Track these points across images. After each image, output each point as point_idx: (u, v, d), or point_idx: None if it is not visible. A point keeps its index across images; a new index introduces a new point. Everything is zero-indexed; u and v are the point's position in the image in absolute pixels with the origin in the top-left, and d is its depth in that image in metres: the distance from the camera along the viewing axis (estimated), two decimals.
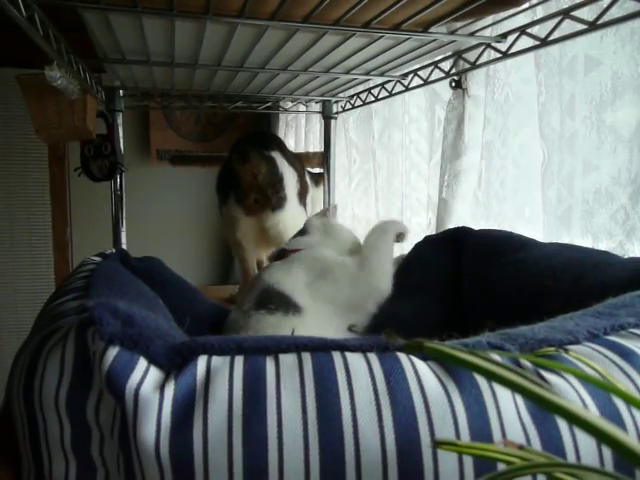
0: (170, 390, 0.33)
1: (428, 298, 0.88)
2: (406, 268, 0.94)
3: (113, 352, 0.35)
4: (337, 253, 0.92)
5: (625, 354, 0.38)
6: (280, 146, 1.37)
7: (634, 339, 0.40)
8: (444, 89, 1.17)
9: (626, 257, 0.64)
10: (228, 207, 1.32)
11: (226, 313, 0.96)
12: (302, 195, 1.37)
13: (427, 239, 0.97)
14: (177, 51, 1.00)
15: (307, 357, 0.36)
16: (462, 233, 0.90)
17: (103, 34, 0.90)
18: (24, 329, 0.50)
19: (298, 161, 1.46)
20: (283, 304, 0.75)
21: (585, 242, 0.83)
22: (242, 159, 1.26)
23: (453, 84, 1.01)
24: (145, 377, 0.34)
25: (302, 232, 1.03)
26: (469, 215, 1.03)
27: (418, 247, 0.97)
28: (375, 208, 1.49)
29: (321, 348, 0.37)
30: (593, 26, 0.70)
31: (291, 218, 1.31)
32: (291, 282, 0.80)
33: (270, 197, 1.27)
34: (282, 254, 0.93)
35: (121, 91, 1.42)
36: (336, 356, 0.36)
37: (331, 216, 1.05)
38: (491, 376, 0.24)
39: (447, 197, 1.02)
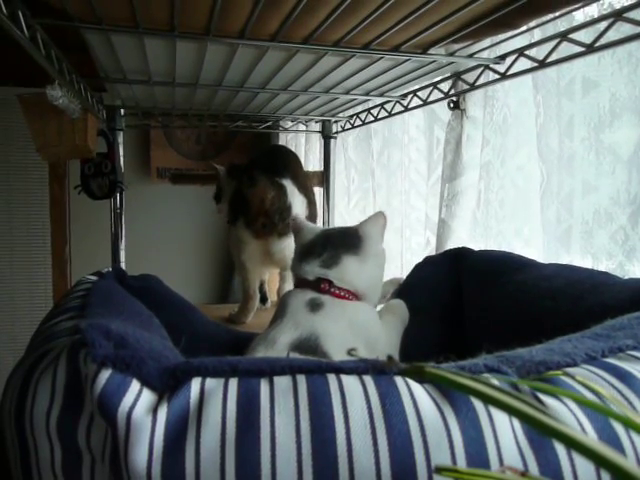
0: (163, 413, 0.33)
1: (429, 318, 0.88)
2: (407, 288, 0.94)
3: (105, 375, 0.34)
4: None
5: (623, 376, 0.37)
6: (293, 171, 1.37)
7: (632, 361, 0.39)
8: (442, 109, 1.18)
9: (626, 278, 0.64)
10: (237, 228, 1.33)
11: (225, 331, 0.96)
12: (311, 220, 1.37)
13: (427, 259, 0.97)
14: (178, 71, 1.01)
15: (302, 379, 0.35)
16: (462, 254, 0.90)
17: (105, 54, 0.91)
18: (21, 347, 0.50)
19: (310, 182, 1.46)
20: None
21: (585, 263, 0.83)
22: (250, 183, 1.27)
23: (451, 105, 1.01)
24: (138, 400, 0.34)
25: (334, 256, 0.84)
26: (468, 235, 1.02)
27: (418, 267, 0.96)
28: None
29: (316, 370, 0.36)
30: (590, 48, 0.70)
31: None
32: (335, 344, 0.71)
33: (276, 224, 1.28)
34: (316, 285, 0.80)
35: (122, 110, 1.42)
36: (331, 379, 0.36)
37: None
38: (491, 401, 0.24)
39: (446, 217, 1.02)
